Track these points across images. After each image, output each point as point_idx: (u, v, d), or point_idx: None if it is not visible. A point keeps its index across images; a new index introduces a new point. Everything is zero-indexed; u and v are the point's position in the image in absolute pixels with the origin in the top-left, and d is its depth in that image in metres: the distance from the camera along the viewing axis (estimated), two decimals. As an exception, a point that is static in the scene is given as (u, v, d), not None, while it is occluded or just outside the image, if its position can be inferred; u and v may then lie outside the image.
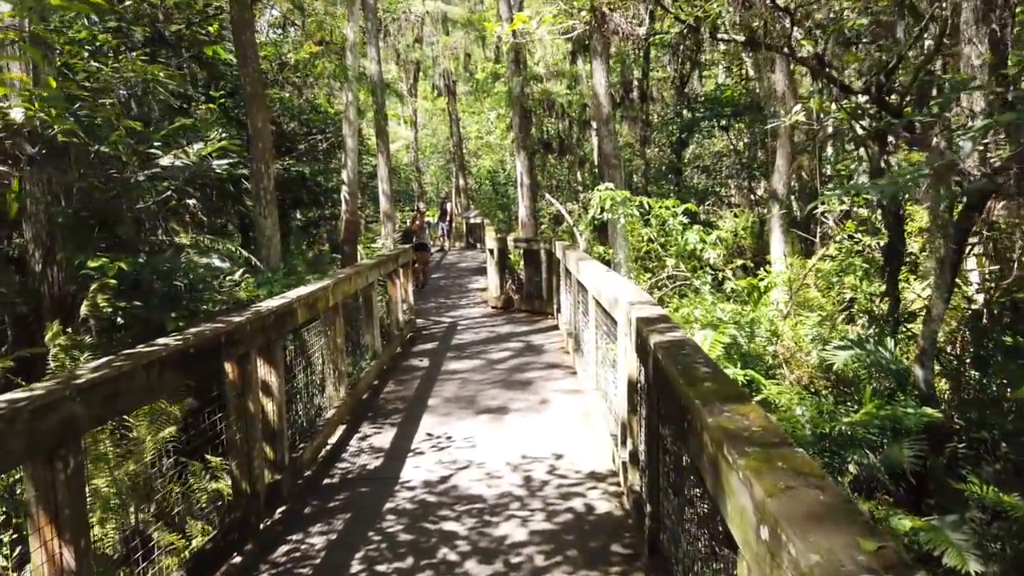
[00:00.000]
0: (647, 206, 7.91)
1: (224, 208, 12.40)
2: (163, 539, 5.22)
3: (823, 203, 8.31)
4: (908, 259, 8.23)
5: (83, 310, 6.10)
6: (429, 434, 6.53)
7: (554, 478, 5.39)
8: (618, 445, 5.16)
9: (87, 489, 3.39)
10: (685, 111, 19.09)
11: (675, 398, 2.86)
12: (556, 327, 11.61)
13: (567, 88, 15.83)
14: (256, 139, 8.43)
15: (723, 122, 17.89)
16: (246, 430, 4.33)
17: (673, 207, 7.90)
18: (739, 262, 8.65)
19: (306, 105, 14.09)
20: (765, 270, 9.82)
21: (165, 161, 10.34)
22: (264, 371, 4.83)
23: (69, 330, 5.84)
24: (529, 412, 7.13)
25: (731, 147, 19.32)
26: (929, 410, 5.57)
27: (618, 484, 5.18)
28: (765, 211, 13.04)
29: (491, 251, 14.20)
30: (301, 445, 5.61)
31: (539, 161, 21.18)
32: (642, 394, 4.12)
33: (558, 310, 11.62)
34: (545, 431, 6.51)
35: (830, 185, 10.79)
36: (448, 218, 29.85)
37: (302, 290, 5.91)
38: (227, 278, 7.69)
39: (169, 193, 9.81)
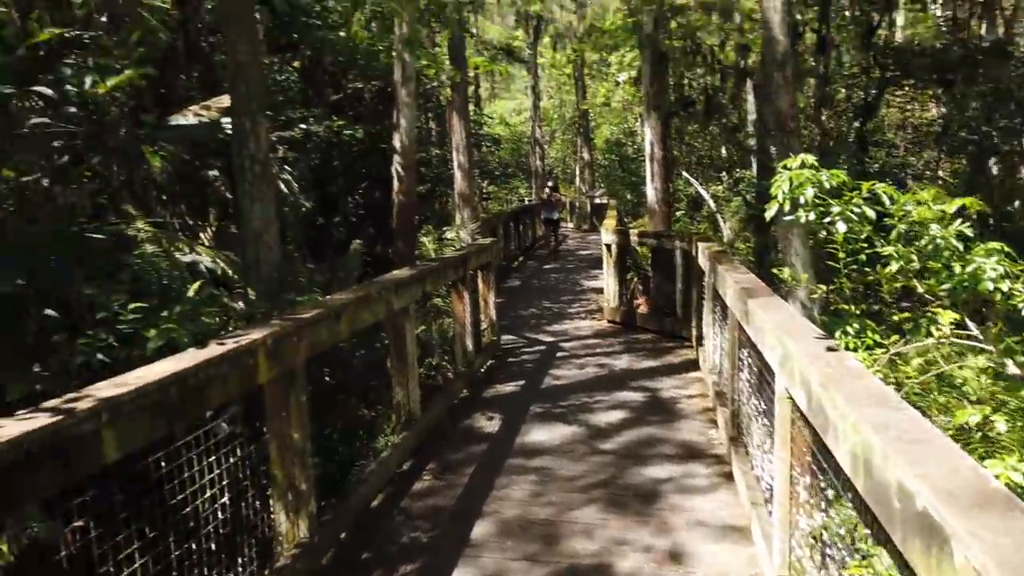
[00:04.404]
0: (889, 199, 4.18)
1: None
2: None
3: None
4: None
5: None
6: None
7: None
8: None
9: None
10: (872, 64, 14.48)
11: None
12: (695, 363, 8.02)
13: (717, 20, 11.63)
14: (238, 79, 5.39)
15: (948, 76, 12.98)
16: None
17: (934, 202, 4.14)
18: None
19: (351, 42, 10.63)
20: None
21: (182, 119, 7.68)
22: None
23: None
24: (648, 591, 3.70)
25: (945, 114, 14.53)
26: None
27: None
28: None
29: (607, 247, 10.64)
30: None
31: (675, 128, 17.17)
32: None
33: (699, 340, 8.01)
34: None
35: None
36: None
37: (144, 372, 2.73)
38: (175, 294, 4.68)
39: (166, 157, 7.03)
